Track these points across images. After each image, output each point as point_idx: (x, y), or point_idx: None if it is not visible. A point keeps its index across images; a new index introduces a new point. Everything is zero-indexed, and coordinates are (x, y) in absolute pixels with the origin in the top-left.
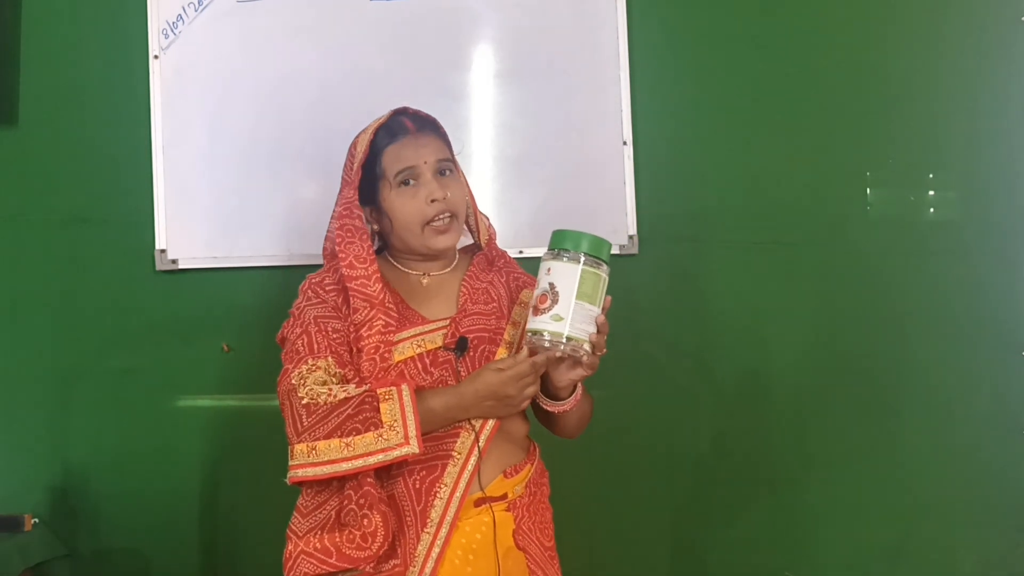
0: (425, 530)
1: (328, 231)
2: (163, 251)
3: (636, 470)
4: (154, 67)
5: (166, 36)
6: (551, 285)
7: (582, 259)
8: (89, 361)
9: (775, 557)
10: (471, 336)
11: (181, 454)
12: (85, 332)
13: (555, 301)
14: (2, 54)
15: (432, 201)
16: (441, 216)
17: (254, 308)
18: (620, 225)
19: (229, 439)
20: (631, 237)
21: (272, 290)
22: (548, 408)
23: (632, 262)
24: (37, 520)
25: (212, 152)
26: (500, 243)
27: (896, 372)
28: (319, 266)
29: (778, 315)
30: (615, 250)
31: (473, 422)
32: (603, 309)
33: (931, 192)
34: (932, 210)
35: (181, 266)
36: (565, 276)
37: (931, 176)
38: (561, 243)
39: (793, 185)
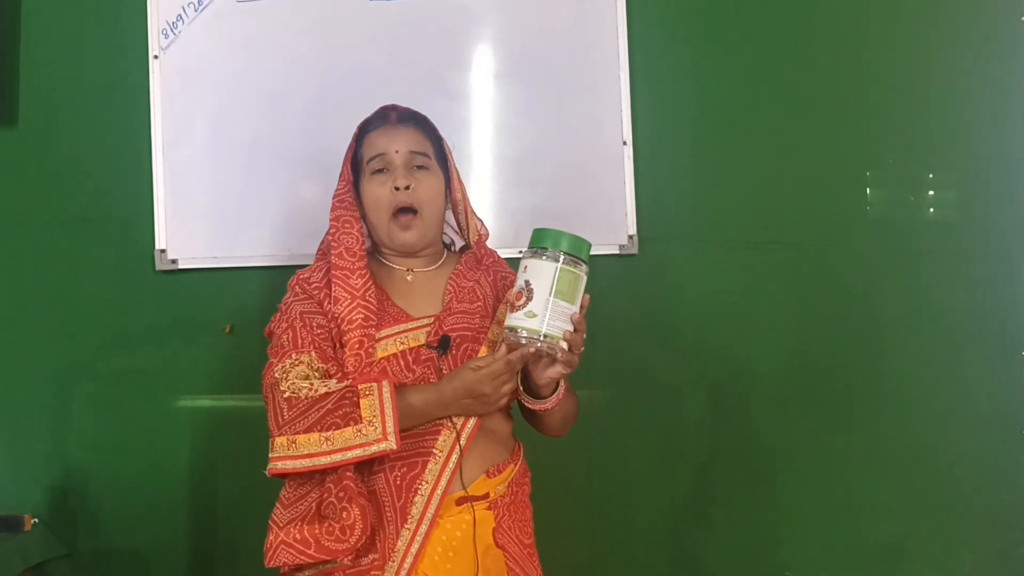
0: (405, 526)
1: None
2: (163, 251)
3: (635, 470)
4: (154, 67)
5: (166, 36)
6: (527, 283)
7: (561, 258)
8: (89, 361)
9: (775, 557)
10: (454, 335)
11: (181, 454)
12: (85, 332)
13: (530, 298)
14: (2, 54)
15: (395, 189)
16: (403, 208)
17: (254, 308)
18: (620, 225)
19: (229, 439)
20: (631, 237)
21: (272, 290)
22: (530, 406)
23: (632, 262)
24: (37, 520)
25: (212, 152)
26: (500, 243)
27: (896, 372)
28: None
29: (777, 315)
30: (615, 250)
31: (454, 420)
32: (581, 308)
33: (931, 192)
34: (932, 210)
35: (181, 266)
36: (542, 274)
37: (931, 176)
38: (541, 242)
39: (793, 185)
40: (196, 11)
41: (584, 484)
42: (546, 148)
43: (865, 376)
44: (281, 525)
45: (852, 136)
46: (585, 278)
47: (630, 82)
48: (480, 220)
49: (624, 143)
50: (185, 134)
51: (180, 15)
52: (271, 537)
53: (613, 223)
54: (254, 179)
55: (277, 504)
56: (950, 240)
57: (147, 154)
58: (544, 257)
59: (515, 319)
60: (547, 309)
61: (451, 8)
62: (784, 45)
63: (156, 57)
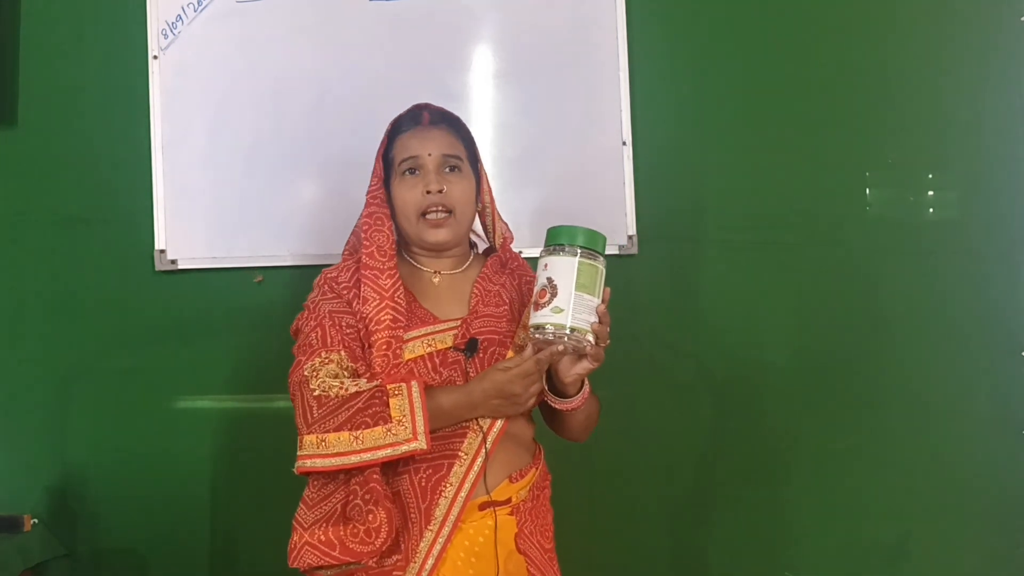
0: (428, 528)
1: (355, 226)
2: (163, 251)
3: (636, 470)
4: (154, 67)
5: (165, 36)
6: (549, 279)
7: (578, 252)
8: (89, 361)
9: (775, 557)
10: (481, 338)
11: (180, 454)
12: (85, 332)
13: (554, 294)
14: (2, 54)
15: (427, 192)
16: (435, 209)
17: (253, 308)
18: (620, 225)
19: (228, 439)
20: (631, 237)
21: (271, 290)
22: (556, 406)
23: (632, 262)
24: (37, 520)
25: (212, 152)
26: None
27: (896, 372)
28: (318, 266)
29: (777, 315)
30: (615, 250)
31: (481, 422)
32: (603, 300)
33: (930, 192)
34: (931, 210)
35: (180, 266)
36: (562, 269)
37: (931, 176)
38: (556, 239)
39: (793, 185)
40: (196, 11)
41: (584, 484)
42: (546, 148)
43: (864, 376)
44: (306, 526)
45: (852, 136)
46: (604, 271)
47: (630, 82)
48: (506, 223)
49: (624, 143)
50: (185, 134)
51: (180, 15)
52: (295, 537)
53: (613, 223)
54: (254, 179)
55: (301, 504)
56: (950, 240)
57: (147, 154)
58: (562, 253)
59: (541, 316)
60: (572, 303)
61: (451, 8)
62: (784, 45)
63: (156, 57)
